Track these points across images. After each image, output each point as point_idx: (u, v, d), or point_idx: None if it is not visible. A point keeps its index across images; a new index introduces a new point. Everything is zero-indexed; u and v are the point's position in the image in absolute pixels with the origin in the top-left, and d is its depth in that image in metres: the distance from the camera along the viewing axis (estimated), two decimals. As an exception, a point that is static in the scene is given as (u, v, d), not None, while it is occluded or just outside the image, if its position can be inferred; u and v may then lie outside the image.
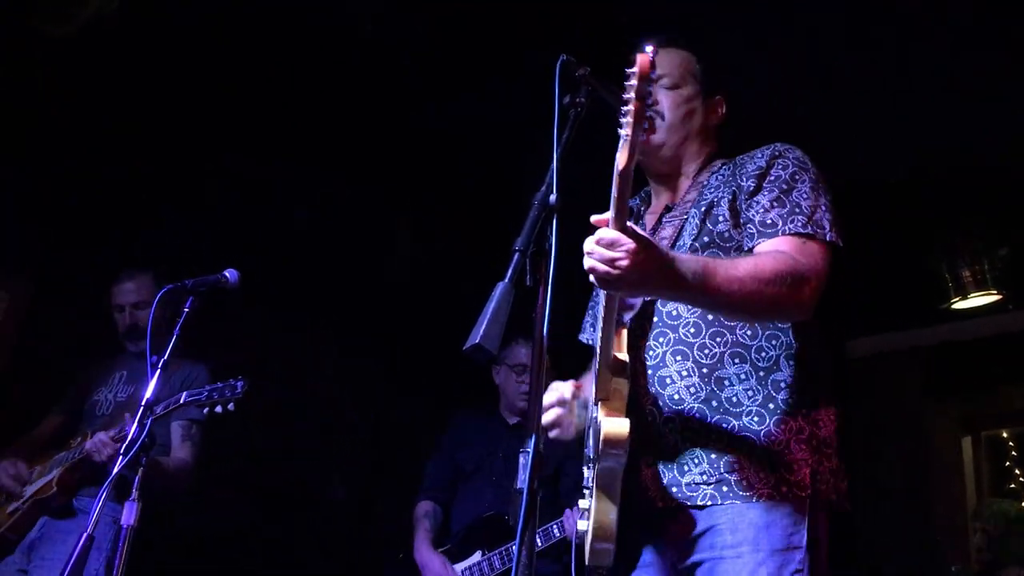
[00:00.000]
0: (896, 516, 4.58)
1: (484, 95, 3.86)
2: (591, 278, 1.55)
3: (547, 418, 1.91)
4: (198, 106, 3.92)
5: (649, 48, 1.36)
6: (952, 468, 5.30)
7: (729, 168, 1.97)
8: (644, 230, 1.97)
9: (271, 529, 4.69)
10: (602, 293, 1.65)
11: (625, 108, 1.41)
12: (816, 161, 1.96)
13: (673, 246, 1.90)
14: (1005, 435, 5.75)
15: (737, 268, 1.65)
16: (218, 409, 2.82)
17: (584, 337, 2.26)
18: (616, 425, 1.65)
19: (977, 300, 4.68)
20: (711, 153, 2.08)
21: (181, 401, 2.88)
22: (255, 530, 4.56)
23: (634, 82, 1.36)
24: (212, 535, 4.35)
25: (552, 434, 1.93)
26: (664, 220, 2.05)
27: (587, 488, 1.82)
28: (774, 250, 1.75)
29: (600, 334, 1.68)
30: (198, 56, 3.72)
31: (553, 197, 1.55)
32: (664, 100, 2.02)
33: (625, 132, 1.43)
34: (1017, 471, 5.72)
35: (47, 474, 3.22)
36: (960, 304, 4.71)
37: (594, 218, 1.55)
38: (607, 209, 1.53)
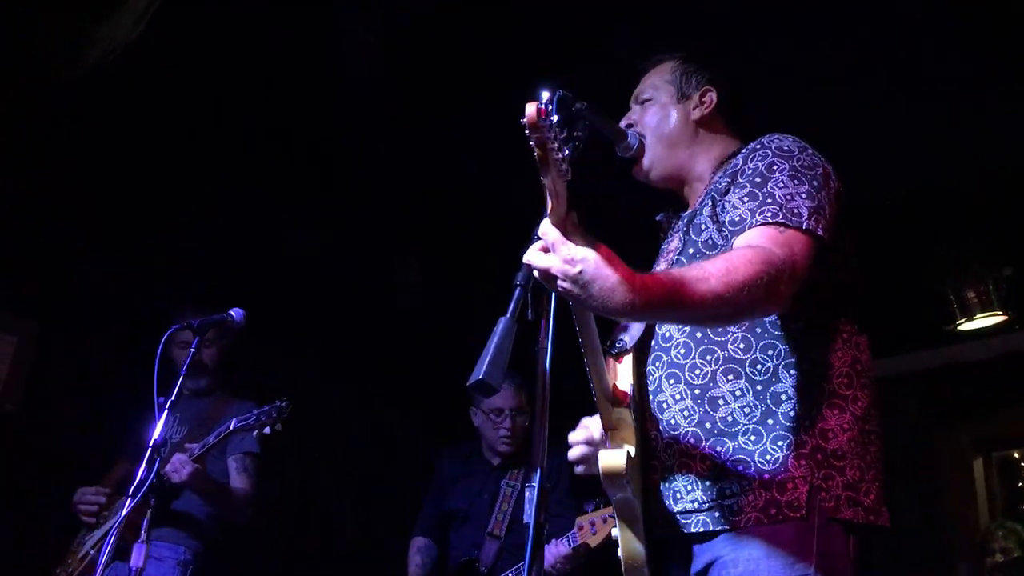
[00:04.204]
0: (909, 539, 4.53)
1: (490, 125, 3.86)
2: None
3: (573, 454, 1.89)
4: (204, 139, 3.94)
5: (545, 94, 1.33)
6: (964, 490, 5.27)
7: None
8: (669, 244, 1.99)
9: (277, 554, 4.68)
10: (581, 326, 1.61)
11: (535, 156, 1.37)
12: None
13: (675, 259, 1.86)
14: (1017, 455, 5.72)
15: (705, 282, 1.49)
16: (267, 430, 2.95)
17: None
18: (612, 457, 1.64)
19: (983, 321, 4.66)
20: (733, 150, 1.95)
21: (232, 427, 3.00)
22: (261, 554, 4.56)
23: (527, 133, 1.33)
24: (216, 558, 4.35)
25: (578, 470, 1.91)
26: (672, 232, 2.03)
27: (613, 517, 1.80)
28: (745, 245, 1.61)
29: (588, 364, 1.65)
30: (205, 89, 3.74)
31: (554, 231, 1.54)
32: (639, 117, 2.03)
33: (542, 178, 1.40)
34: (1030, 491, 5.68)
35: (113, 517, 3.19)
36: (966, 325, 4.69)
37: None
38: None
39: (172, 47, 3.49)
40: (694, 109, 2.01)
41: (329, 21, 3.54)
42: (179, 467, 3.02)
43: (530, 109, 1.31)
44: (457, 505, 3.73)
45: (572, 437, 1.89)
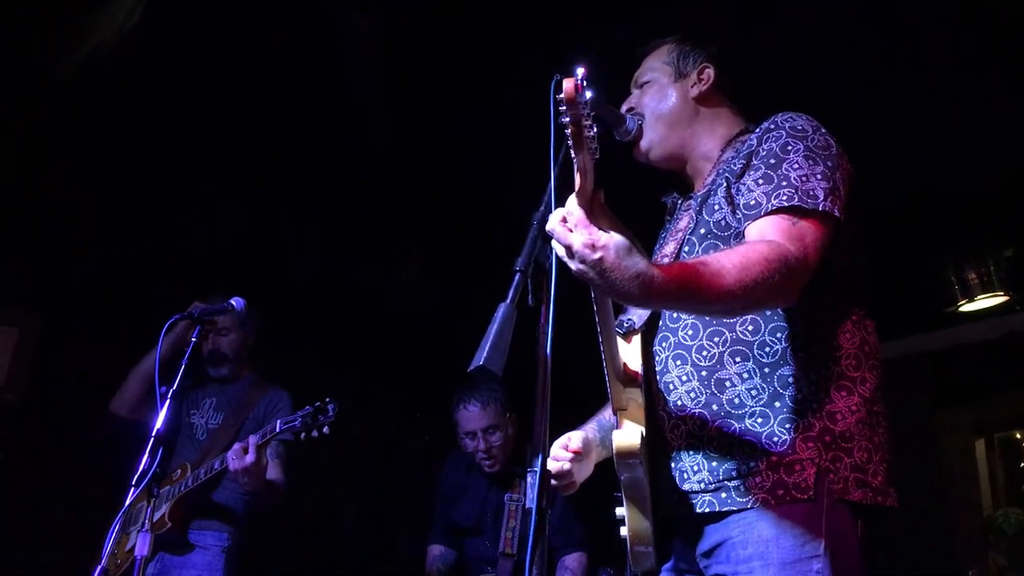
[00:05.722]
0: (912, 521, 4.53)
1: (490, 125, 3.86)
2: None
3: (554, 467, 1.89)
4: (204, 139, 3.94)
5: (580, 70, 1.32)
6: (966, 471, 5.25)
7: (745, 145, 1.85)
8: (678, 224, 1.98)
9: (276, 554, 4.68)
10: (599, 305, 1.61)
11: (568, 133, 1.37)
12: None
13: (686, 238, 1.86)
14: (1018, 436, 5.70)
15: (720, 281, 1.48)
16: (314, 433, 2.87)
17: None
18: (627, 437, 1.66)
19: (984, 302, 4.64)
20: (739, 129, 1.97)
21: (277, 430, 2.93)
22: (269, 555, 4.56)
23: (563, 108, 1.32)
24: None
25: (556, 482, 1.91)
26: (680, 212, 2.02)
27: (619, 495, 1.82)
28: (759, 240, 1.61)
29: (602, 344, 1.66)
30: (205, 88, 3.74)
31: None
32: (638, 99, 2.04)
33: (573, 156, 1.40)
34: (1031, 472, 5.67)
35: (159, 508, 3.14)
36: (967, 307, 4.67)
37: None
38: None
39: (172, 47, 3.50)
40: (692, 87, 2.01)
41: (329, 21, 3.54)
42: (240, 455, 2.95)
43: (568, 84, 1.31)
44: (464, 523, 3.70)
45: (555, 452, 1.91)
